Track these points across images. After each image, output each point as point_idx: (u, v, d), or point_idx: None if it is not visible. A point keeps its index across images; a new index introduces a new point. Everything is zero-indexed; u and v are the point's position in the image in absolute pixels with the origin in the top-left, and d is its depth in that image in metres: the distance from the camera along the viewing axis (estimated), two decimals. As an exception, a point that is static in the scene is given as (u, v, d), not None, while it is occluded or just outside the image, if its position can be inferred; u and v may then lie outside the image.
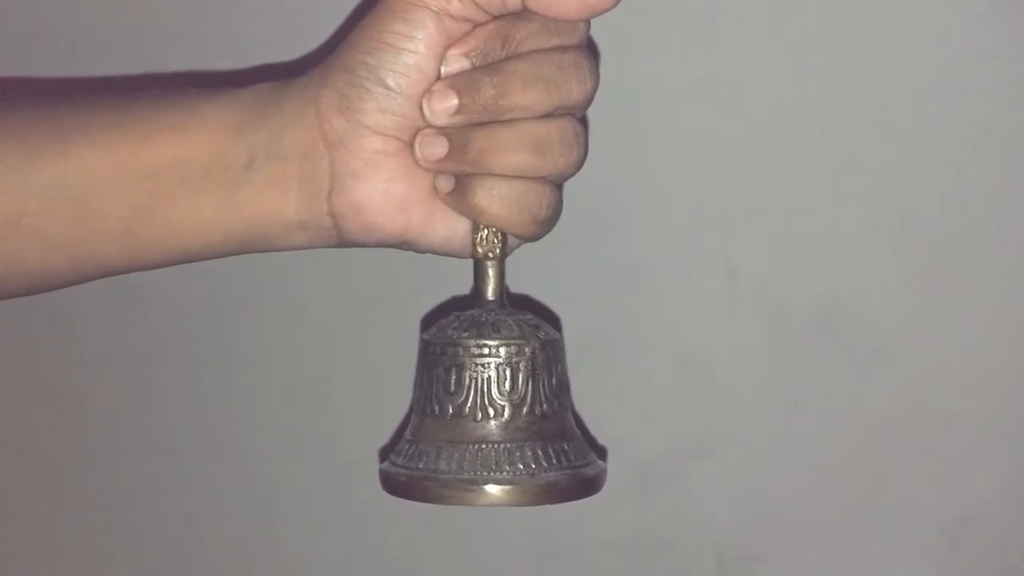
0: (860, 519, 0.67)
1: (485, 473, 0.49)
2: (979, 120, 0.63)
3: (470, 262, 0.54)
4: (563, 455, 0.51)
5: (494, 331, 0.51)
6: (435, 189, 0.52)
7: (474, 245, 0.53)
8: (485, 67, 0.50)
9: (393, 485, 0.52)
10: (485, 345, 0.51)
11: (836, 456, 0.67)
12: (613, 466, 0.55)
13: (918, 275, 0.65)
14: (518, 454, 0.50)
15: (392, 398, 0.66)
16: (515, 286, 0.63)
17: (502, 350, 0.51)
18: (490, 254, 0.53)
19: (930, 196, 0.64)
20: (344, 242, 0.53)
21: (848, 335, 0.66)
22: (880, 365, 0.66)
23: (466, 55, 0.50)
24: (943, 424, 0.66)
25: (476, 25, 0.50)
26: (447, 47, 0.50)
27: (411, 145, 0.51)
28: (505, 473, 0.49)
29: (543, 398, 0.51)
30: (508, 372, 0.51)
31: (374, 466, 0.54)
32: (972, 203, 0.64)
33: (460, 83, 0.50)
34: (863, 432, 0.67)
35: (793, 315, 0.66)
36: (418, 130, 0.51)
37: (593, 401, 0.64)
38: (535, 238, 0.53)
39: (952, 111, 0.63)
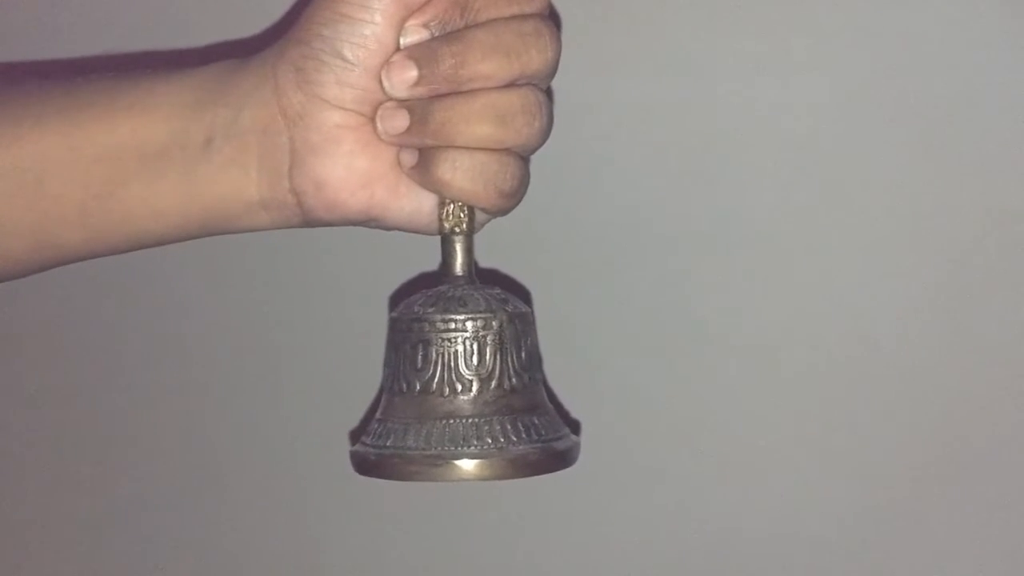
0: (850, 533, 0.65)
1: (453, 448, 0.49)
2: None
3: (439, 238, 0.53)
4: (533, 429, 0.50)
5: (460, 305, 0.51)
6: (399, 164, 0.51)
7: (440, 220, 0.52)
8: (444, 37, 0.49)
9: (363, 465, 0.51)
10: (451, 320, 0.51)
11: (829, 458, 0.65)
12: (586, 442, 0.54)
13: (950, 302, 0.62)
14: (486, 428, 0.49)
15: (363, 379, 0.65)
16: (485, 261, 0.62)
17: (468, 324, 0.51)
18: (457, 229, 0.52)
19: (966, 219, 0.61)
20: (308, 220, 0.52)
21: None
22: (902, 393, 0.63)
23: (425, 25, 0.50)
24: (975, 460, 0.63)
25: (434, -6, 0.49)
26: (405, 17, 0.49)
27: (372, 119, 0.50)
28: (473, 448, 0.49)
29: (512, 372, 0.51)
30: (475, 346, 0.50)
31: (346, 448, 0.54)
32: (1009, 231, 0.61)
33: (419, 54, 0.49)
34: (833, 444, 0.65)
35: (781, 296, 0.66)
36: (379, 103, 0.50)
37: (566, 375, 0.63)
38: (502, 211, 0.52)
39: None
